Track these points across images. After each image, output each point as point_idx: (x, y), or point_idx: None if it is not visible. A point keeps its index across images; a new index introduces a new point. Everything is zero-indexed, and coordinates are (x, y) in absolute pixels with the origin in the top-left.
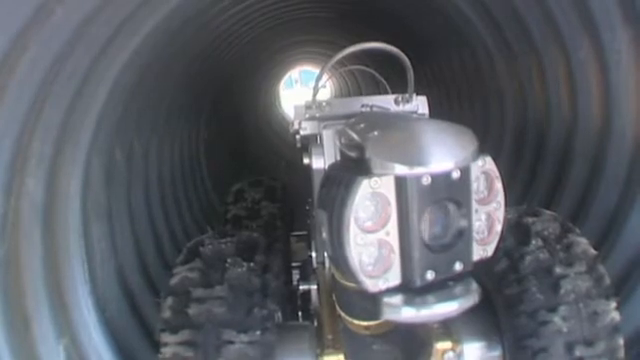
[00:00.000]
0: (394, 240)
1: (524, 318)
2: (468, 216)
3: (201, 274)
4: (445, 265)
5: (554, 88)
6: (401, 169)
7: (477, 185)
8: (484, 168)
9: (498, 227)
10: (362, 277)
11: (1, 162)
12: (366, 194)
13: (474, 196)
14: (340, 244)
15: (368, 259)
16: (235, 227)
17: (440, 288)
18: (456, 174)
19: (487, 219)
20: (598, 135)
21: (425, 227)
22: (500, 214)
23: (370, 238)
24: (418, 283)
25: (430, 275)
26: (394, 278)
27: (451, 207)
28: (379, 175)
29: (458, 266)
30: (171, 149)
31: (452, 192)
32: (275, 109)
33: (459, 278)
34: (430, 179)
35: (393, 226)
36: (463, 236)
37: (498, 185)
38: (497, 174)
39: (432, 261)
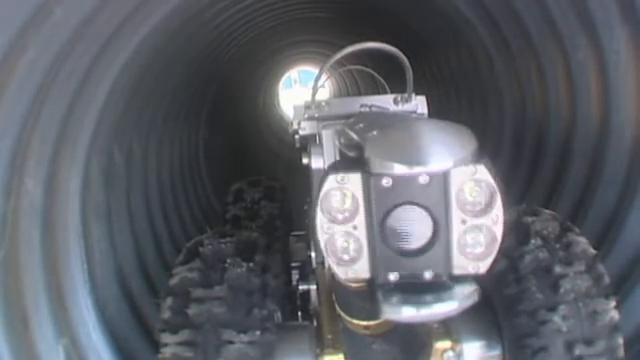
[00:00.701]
0: (362, 235)
1: (524, 317)
2: (443, 225)
3: (201, 274)
4: (413, 270)
5: (553, 88)
6: (367, 169)
7: (463, 194)
8: (475, 177)
9: (495, 243)
10: (332, 262)
11: (0, 162)
12: (333, 187)
13: (457, 205)
14: (312, 230)
15: (334, 247)
16: (234, 227)
17: (440, 287)
18: (424, 179)
19: (481, 233)
20: (597, 134)
21: (393, 229)
22: (498, 229)
23: (336, 228)
24: (380, 281)
25: (393, 277)
26: (363, 272)
27: (421, 213)
28: (347, 172)
29: (428, 274)
30: (170, 149)
31: (418, 197)
32: (274, 109)
33: (459, 278)
34: (391, 182)
35: (361, 222)
36: (435, 245)
37: (495, 197)
38: (493, 185)
39: (397, 263)
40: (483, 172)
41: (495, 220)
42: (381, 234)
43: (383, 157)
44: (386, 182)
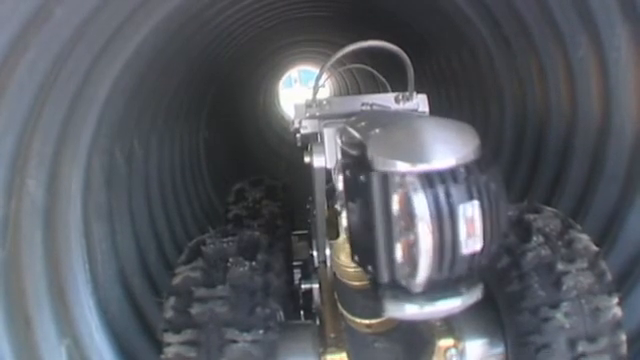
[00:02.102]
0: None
1: (526, 315)
2: None
3: (203, 274)
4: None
5: (554, 86)
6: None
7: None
8: None
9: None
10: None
11: (2, 163)
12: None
13: None
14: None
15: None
16: (236, 226)
17: (444, 285)
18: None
19: None
20: (598, 132)
21: None
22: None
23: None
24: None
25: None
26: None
27: None
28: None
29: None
30: (171, 149)
31: None
32: (275, 108)
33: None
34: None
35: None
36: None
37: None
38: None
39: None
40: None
41: None
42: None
43: (385, 155)
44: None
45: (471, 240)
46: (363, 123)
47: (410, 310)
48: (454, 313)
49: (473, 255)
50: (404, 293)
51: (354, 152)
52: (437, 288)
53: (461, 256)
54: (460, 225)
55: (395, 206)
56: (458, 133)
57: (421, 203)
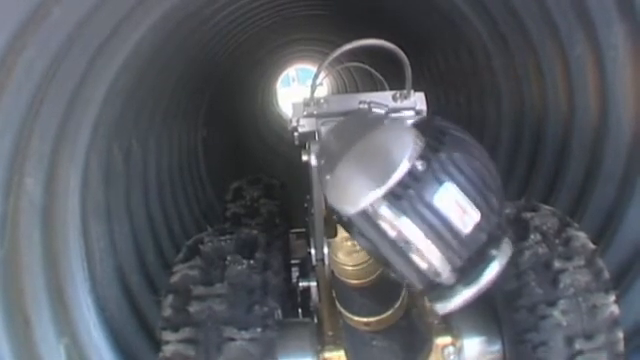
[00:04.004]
0: None
1: (524, 312)
2: None
3: (201, 272)
4: None
5: (551, 84)
6: None
7: None
8: None
9: None
10: None
11: (0, 162)
12: None
13: None
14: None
15: None
16: (234, 225)
17: (473, 262)
18: None
19: None
20: (595, 130)
21: None
22: None
23: None
24: None
25: None
26: None
27: None
28: None
29: None
30: (169, 148)
31: None
32: (272, 107)
33: None
34: None
35: None
36: None
37: None
38: None
39: None
40: None
41: None
42: None
43: (347, 200)
44: None
45: (466, 217)
46: (323, 161)
47: (459, 299)
48: (501, 272)
49: (478, 225)
50: (446, 289)
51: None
52: (469, 268)
53: (467, 235)
54: (446, 214)
55: (387, 232)
56: (397, 136)
57: (402, 219)
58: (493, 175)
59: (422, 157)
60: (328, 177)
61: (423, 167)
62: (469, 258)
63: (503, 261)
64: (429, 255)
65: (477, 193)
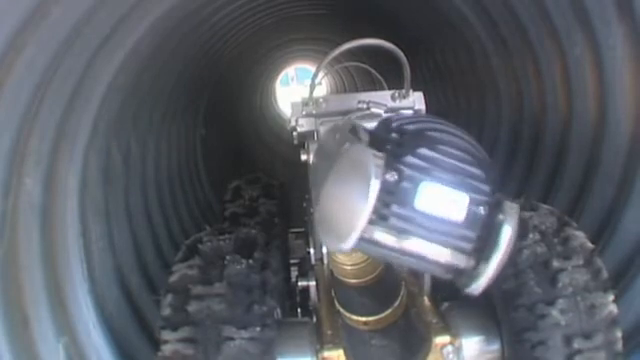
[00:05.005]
0: None
1: (522, 312)
2: None
3: (200, 271)
4: None
5: (550, 84)
6: None
7: None
8: None
9: None
10: None
11: None
12: None
13: None
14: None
15: None
16: (233, 224)
17: (483, 236)
18: None
19: None
20: (594, 130)
21: None
22: None
23: None
24: None
25: None
26: None
27: None
28: None
29: None
30: (168, 147)
31: None
32: (271, 107)
33: None
34: None
35: None
36: None
37: None
38: None
39: None
40: None
41: None
42: None
43: (339, 236)
44: None
45: (455, 204)
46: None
47: (488, 273)
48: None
49: (471, 204)
50: (471, 271)
51: None
52: (483, 244)
53: (464, 219)
54: (436, 212)
55: (390, 251)
56: (355, 159)
57: (399, 236)
58: (465, 141)
59: (389, 168)
60: (317, 217)
61: (394, 177)
62: (478, 237)
63: (513, 220)
64: (439, 255)
65: (456, 174)
